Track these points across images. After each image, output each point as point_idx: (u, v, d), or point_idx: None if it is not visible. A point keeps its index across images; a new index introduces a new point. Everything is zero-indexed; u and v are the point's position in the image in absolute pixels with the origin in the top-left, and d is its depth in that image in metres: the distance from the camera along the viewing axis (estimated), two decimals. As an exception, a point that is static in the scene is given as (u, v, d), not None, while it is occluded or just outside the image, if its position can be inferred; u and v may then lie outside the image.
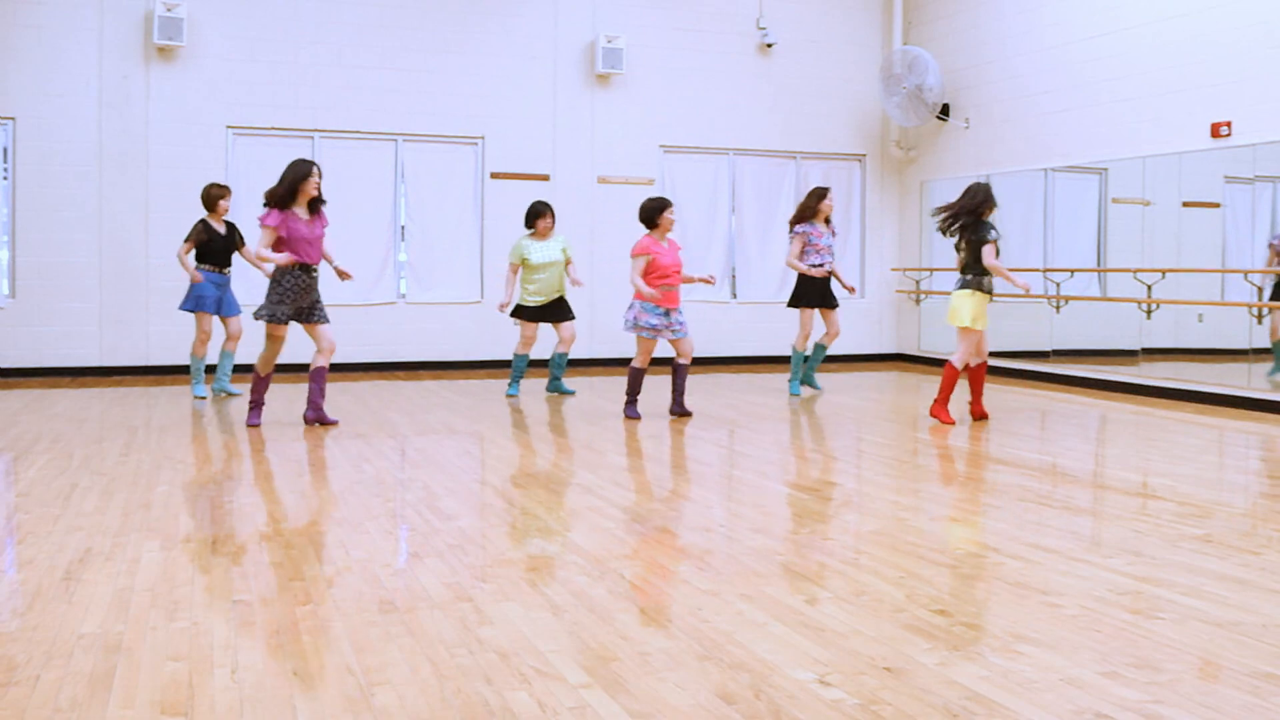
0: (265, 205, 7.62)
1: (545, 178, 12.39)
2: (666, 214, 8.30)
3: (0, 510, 5.27)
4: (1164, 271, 10.24)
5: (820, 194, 9.97)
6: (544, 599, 3.88)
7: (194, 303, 9.26)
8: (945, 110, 12.79)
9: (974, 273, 8.13)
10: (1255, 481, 6.75)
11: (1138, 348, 10.59)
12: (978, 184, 8.34)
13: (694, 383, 10.60)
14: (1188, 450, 7.46)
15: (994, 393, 9.97)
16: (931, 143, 13.27)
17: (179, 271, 11.05)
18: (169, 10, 10.88)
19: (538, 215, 9.64)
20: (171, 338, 11.21)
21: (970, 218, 8.16)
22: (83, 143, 11.02)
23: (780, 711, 2.92)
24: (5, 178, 10.94)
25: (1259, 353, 9.58)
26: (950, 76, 12.72)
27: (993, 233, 8.09)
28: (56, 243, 10.97)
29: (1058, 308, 11.36)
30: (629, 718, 2.87)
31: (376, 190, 11.98)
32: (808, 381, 10.34)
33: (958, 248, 8.30)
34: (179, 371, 11.08)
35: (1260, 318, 9.50)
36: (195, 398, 9.44)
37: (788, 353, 13.13)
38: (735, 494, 6.14)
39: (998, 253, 8.08)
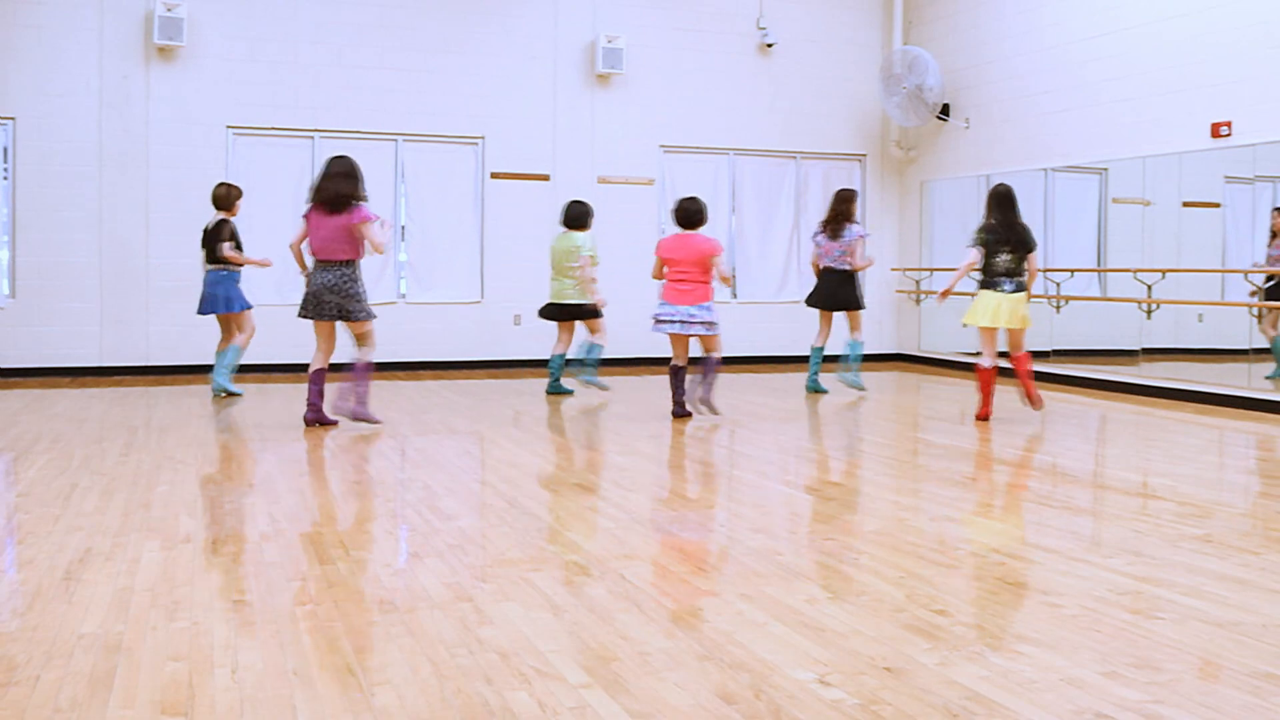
0: (349, 203, 7.48)
1: (545, 178, 12.39)
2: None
3: (0, 510, 5.27)
4: (1164, 271, 10.24)
5: (854, 195, 10.22)
6: (544, 599, 3.88)
7: (242, 301, 9.36)
8: (945, 110, 12.78)
9: (1021, 274, 8.22)
10: (1255, 481, 6.75)
11: (1138, 348, 10.59)
12: (1002, 188, 8.34)
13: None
14: (1188, 450, 7.47)
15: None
16: (931, 143, 13.27)
17: (179, 272, 11.09)
18: (169, 10, 10.88)
19: (591, 215, 9.80)
20: (171, 337, 11.21)
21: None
22: (83, 143, 11.01)
23: (780, 711, 2.92)
24: (5, 178, 10.94)
25: (1259, 353, 9.58)
26: (950, 76, 12.72)
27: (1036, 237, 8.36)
28: (56, 243, 10.97)
29: (1058, 308, 11.36)
30: (629, 718, 2.87)
31: (376, 190, 11.90)
32: (814, 388, 10.32)
33: (992, 249, 8.22)
34: (179, 371, 11.09)
35: (1260, 318, 9.50)
36: (233, 394, 9.47)
37: (786, 352, 13.15)
38: (735, 494, 6.14)
39: None
